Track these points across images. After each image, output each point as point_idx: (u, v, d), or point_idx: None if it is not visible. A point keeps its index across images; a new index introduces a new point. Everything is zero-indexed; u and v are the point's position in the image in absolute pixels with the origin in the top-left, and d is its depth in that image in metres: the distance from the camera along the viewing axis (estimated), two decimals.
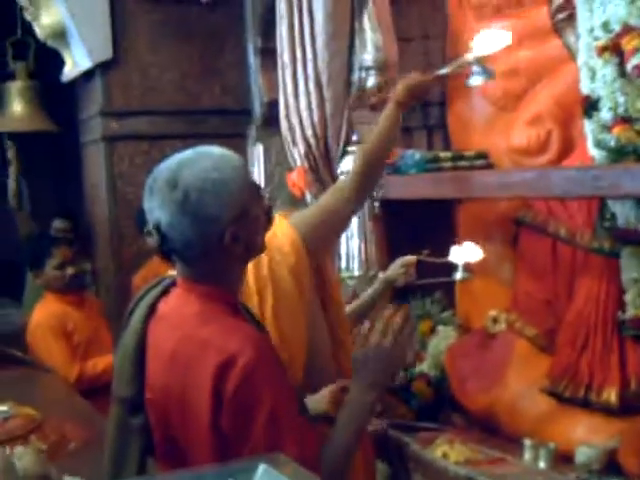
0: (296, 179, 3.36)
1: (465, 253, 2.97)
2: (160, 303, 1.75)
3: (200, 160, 1.64)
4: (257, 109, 4.45)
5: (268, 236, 1.77)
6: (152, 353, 1.70)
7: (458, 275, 2.96)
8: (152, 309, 1.75)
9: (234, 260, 1.68)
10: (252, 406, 1.52)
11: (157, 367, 1.67)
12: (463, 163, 3.30)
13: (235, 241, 1.63)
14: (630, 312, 2.75)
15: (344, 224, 2.50)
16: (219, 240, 1.62)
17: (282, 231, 2.22)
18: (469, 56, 2.59)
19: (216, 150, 1.68)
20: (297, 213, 2.36)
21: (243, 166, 1.70)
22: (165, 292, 1.76)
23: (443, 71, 2.60)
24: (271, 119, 3.98)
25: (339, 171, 3.38)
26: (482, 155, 3.34)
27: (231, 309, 1.67)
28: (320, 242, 2.31)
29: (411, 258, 2.89)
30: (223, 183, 1.62)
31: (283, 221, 2.24)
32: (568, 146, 3.07)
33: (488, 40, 2.60)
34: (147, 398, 1.69)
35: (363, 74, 3.25)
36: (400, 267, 2.87)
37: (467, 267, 2.96)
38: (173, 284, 1.75)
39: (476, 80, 2.67)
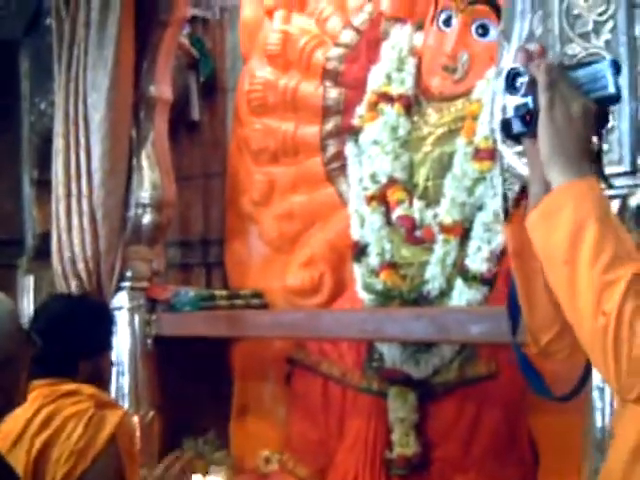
0: None
1: None
2: None
3: None
4: (29, 240, 4.31)
5: None
6: None
7: None
8: None
9: None
10: None
11: None
12: (239, 302, 3.34)
13: None
14: (397, 451, 2.83)
15: None
16: None
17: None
18: None
19: None
20: None
21: (13, 311, 1.62)
22: None
23: None
24: (43, 251, 3.85)
25: (112, 306, 3.31)
26: (257, 294, 3.39)
27: None
28: None
29: None
30: None
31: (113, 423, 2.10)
32: (339, 288, 3.18)
33: None
34: None
35: (140, 211, 3.25)
36: None
37: None
38: None
39: None
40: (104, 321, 2.41)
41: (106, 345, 2.36)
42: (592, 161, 1.23)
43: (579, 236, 1.15)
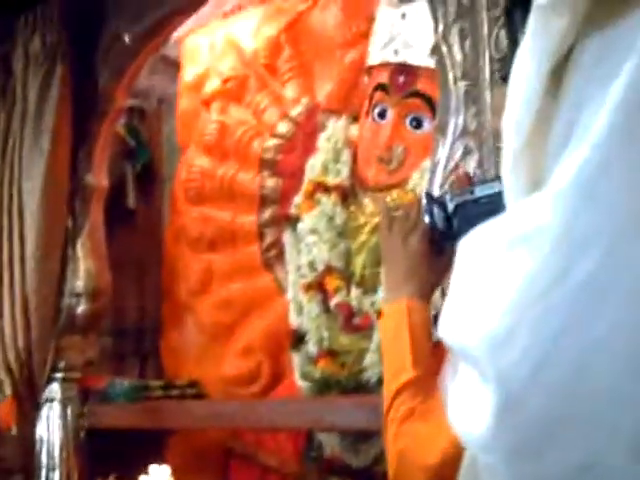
0: (2, 412, 3.12)
1: None
2: None
3: None
4: None
5: None
6: None
7: None
8: None
9: None
10: None
11: None
12: (174, 392, 3.28)
13: None
14: None
15: None
16: None
17: None
18: None
19: None
20: None
21: None
22: None
23: None
24: None
25: (44, 398, 3.22)
26: (194, 384, 3.34)
27: None
28: None
29: None
30: None
31: None
32: (277, 377, 3.16)
33: None
34: None
35: (74, 300, 3.20)
36: None
37: None
38: None
39: None
40: None
41: None
42: (418, 283, 1.40)
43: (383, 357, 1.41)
